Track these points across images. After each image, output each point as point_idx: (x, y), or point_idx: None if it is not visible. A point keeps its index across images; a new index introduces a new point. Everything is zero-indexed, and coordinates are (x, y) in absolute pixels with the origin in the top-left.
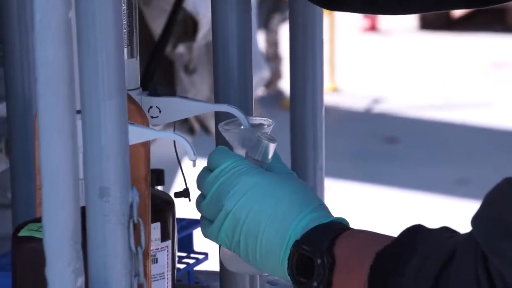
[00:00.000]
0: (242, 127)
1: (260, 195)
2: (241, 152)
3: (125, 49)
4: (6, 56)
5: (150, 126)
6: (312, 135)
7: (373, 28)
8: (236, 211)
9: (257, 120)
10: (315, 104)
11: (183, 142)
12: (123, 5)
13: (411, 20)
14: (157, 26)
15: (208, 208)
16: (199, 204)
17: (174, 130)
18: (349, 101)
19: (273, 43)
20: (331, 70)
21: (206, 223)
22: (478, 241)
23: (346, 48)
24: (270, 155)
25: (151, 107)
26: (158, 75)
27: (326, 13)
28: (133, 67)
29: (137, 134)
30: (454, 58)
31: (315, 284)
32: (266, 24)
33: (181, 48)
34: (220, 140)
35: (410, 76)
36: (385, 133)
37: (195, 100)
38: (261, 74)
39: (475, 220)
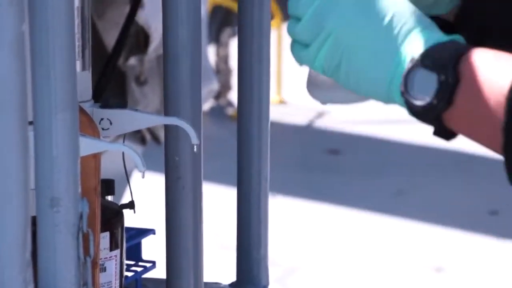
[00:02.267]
0: None
1: (366, 9)
2: None
3: (78, 62)
4: None
5: (101, 138)
6: (257, 146)
7: None
8: (339, 30)
9: None
10: (261, 115)
11: (132, 154)
12: (76, 18)
13: None
14: (110, 39)
15: (305, 30)
16: (292, 28)
17: (123, 142)
18: (295, 113)
19: (223, 56)
20: (278, 83)
21: (300, 47)
22: None
23: (293, 62)
24: None
25: (102, 119)
26: (110, 86)
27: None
28: (85, 80)
29: (88, 146)
30: None
31: (434, 101)
32: (217, 37)
33: (132, 60)
34: (169, 151)
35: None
36: (328, 146)
37: (146, 113)
38: (210, 87)
39: None
